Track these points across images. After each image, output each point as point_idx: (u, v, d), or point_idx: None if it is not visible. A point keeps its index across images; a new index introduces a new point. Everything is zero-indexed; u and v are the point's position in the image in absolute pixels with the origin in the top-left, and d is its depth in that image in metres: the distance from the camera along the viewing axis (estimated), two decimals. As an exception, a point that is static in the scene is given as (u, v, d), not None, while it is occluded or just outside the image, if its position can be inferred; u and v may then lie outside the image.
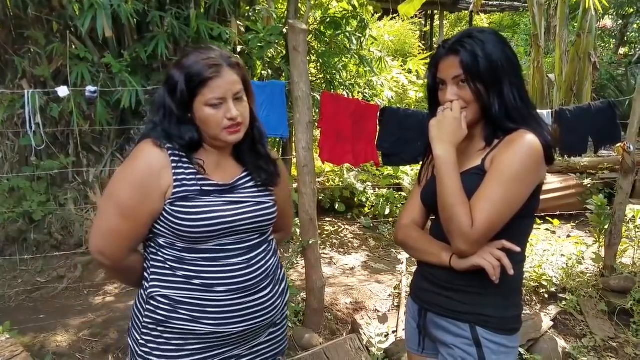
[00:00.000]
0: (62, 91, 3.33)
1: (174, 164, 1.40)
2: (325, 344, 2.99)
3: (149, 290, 1.44)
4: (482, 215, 1.32)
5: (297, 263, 4.06)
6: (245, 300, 1.44)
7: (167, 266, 1.43)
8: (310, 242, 3.21)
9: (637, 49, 12.75)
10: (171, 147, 1.42)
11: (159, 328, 1.43)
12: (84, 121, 4.09)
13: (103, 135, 4.35)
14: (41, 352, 3.06)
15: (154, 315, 1.43)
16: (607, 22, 13.93)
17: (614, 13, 12.79)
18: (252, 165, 1.52)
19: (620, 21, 13.34)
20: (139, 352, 1.45)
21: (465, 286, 1.45)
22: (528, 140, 1.36)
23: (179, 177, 1.40)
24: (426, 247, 1.53)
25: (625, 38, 13.64)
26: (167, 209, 1.39)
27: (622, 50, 13.64)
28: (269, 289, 1.50)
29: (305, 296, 3.42)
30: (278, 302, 1.54)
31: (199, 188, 1.41)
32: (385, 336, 3.15)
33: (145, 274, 1.47)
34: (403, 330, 3.21)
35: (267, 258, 1.52)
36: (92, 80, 3.84)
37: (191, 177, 1.41)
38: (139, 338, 1.46)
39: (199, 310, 1.41)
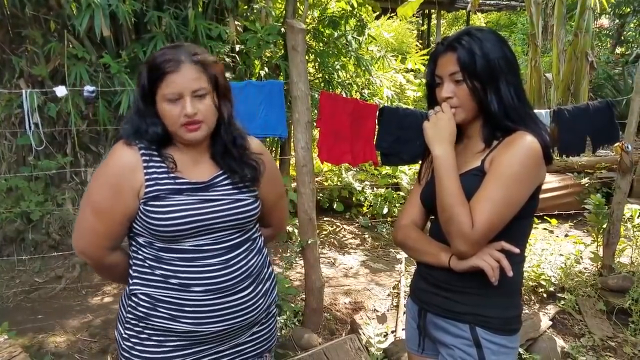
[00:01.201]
0: (60, 91, 3.32)
1: (145, 163, 1.41)
2: (325, 344, 2.99)
3: (131, 287, 1.47)
4: (482, 216, 1.32)
5: (296, 263, 4.06)
6: (223, 300, 1.43)
7: (146, 264, 1.44)
8: (309, 242, 3.21)
9: (634, 49, 12.77)
10: (142, 145, 1.42)
11: (141, 324, 1.45)
12: (81, 121, 4.08)
13: (101, 135, 4.34)
14: (39, 353, 3.06)
15: (135, 312, 1.45)
16: (604, 21, 13.97)
17: (611, 12, 12.81)
18: (227, 167, 1.49)
19: (617, 20, 13.36)
20: (123, 346, 1.48)
21: (465, 287, 1.45)
22: (527, 142, 1.37)
23: (151, 176, 1.40)
24: (425, 248, 1.52)
25: (622, 37, 13.67)
26: (141, 208, 1.40)
27: (619, 50, 13.68)
28: (249, 289, 1.48)
29: (304, 296, 3.42)
30: (260, 301, 1.52)
31: (170, 187, 1.41)
32: (385, 336, 3.15)
33: (130, 271, 1.49)
34: (402, 330, 3.21)
35: (249, 257, 1.50)
36: (91, 79, 3.82)
37: (163, 175, 1.41)
38: (122, 332, 1.49)
39: (177, 309, 1.41)
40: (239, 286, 1.46)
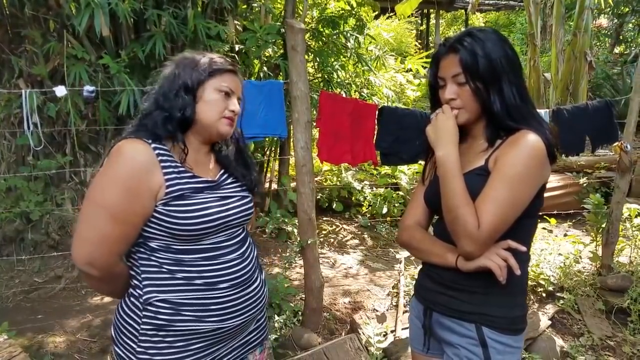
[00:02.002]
0: (60, 91, 3.31)
1: (162, 163, 1.38)
2: (325, 343, 2.99)
3: (145, 297, 1.40)
4: (487, 217, 1.32)
5: (296, 263, 4.06)
6: (244, 293, 1.49)
7: (164, 270, 1.40)
8: (309, 242, 3.21)
9: (633, 48, 12.79)
10: (155, 143, 1.39)
11: (160, 333, 1.40)
12: (81, 121, 4.08)
13: (100, 135, 4.33)
14: (39, 353, 3.06)
15: (154, 321, 1.39)
16: (603, 21, 13.98)
17: (610, 12, 12.83)
18: (239, 173, 1.58)
19: (616, 20, 13.39)
20: None
21: (471, 286, 1.45)
22: (531, 141, 1.36)
23: (170, 175, 1.38)
24: (431, 248, 1.53)
25: (621, 37, 13.70)
26: (160, 209, 1.36)
27: (617, 49, 13.71)
28: (258, 280, 1.56)
29: (304, 296, 3.42)
30: (265, 290, 1.61)
31: (192, 185, 1.41)
32: (384, 336, 3.16)
33: (136, 281, 1.43)
34: (402, 329, 3.22)
35: (253, 250, 1.59)
36: (90, 79, 3.81)
37: (182, 174, 1.41)
38: (136, 346, 1.41)
39: (202, 310, 1.41)
40: (253, 277, 1.53)
